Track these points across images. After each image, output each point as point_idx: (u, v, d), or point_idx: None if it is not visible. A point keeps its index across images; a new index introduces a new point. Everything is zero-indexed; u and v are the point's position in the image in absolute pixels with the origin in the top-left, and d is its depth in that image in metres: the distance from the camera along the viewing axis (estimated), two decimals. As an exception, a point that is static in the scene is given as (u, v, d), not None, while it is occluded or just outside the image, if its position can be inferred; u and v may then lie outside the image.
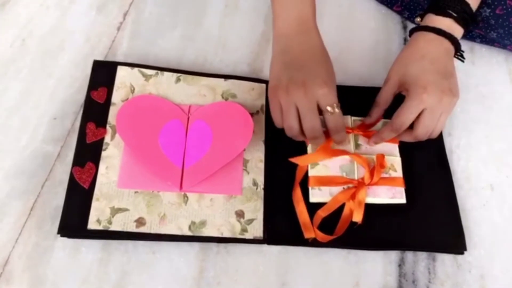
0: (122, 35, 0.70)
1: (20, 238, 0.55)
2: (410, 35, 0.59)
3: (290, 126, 0.52)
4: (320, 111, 0.52)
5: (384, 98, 0.57)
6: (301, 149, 0.60)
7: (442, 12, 0.56)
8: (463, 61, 0.60)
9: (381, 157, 0.57)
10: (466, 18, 0.56)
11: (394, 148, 0.60)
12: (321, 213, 0.55)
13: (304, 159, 0.58)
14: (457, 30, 0.56)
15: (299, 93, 0.50)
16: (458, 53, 0.59)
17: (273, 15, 0.55)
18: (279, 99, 0.52)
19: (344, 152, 0.58)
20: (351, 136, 0.60)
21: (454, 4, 0.56)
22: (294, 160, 0.57)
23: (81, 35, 0.70)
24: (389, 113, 0.57)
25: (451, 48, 0.56)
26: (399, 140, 0.59)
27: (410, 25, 0.74)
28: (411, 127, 0.55)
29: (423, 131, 0.54)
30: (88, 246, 0.54)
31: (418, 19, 0.60)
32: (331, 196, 0.56)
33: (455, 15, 0.56)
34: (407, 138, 0.57)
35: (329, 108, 0.51)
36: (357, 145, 0.60)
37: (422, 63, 0.54)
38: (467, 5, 0.56)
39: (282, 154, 0.60)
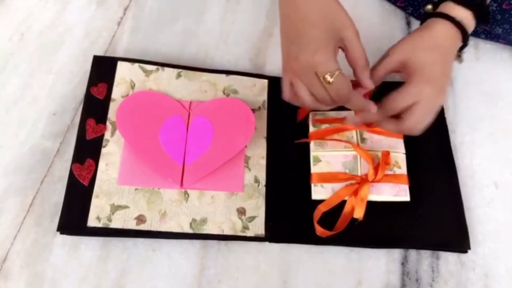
0: (123, 30, 0.69)
1: (18, 235, 0.54)
2: (422, 20, 0.55)
3: (304, 100, 0.49)
4: None
5: (380, 73, 0.52)
6: (303, 145, 0.59)
7: (463, 2, 0.52)
8: (460, 63, 0.58)
9: (386, 154, 0.57)
10: (482, 14, 0.54)
11: (399, 143, 0.59)
12: (322, 208, 0.54)
13: (312, 134, 0.58)
14: (471, 26, 0.53)
15: (296, 69, 0.47)
16: (459, 53, 0.56)
17: None
18: (286, 73, 0.49)
19: (350, 127, 0.58)
20: (354, 131, 0.59)
21: None
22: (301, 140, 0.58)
23: (80, 30, 0.69)
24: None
25: (459, 44, 0.54)
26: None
27: (414, 21, 0.74)
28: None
29: (411, 124, 0.50)
30: (87, 243, 0.54)
31: (430, 6, 0.56)
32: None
33: (474, 8, 0.52)
34: (390, 127, 0.53)
35: (327, 77, 0.46)
36: (362, 139, 0.59)
37: (434, 54, 0.51)
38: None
39: (284, 151, 0.59)
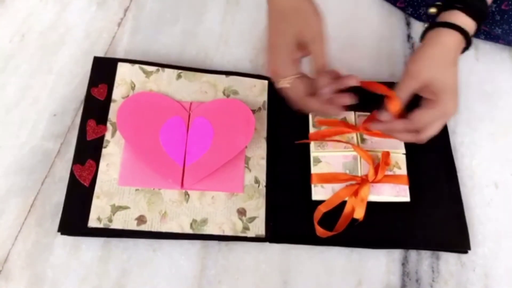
0: (123, 31, 0.70)
1: (19, 235, 0.54)
2: (428, 28, 0.55)
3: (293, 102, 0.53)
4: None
5: (407, 95, 0.53)
6: (303, 146, 0.59)
7: (470, 12, 0.53)
8: None
9: (386, 154, 0.57)
10: (483, 20, 0.55)
11: (399, 143, 0.59)
12: (322, 208, 0.54)
13: (312, 135, 0.59)
14: (472, 32, 0.55)
15: (272, 76, 0.52)
16: None
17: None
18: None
19: (351, 128, 0.58)
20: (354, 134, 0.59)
21: (477, 3, 0.54)
22: (302, 141, 0.58)
23: (81, 31, 0.69)
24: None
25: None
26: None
27: (414, 22, 0.74)
28: None
29: (429, 135, 0.53)
30: (88, 243, 0.54)
31: (434, 9, 0.57)
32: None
33: (479, 16, 0.54)
34: (408, 138, 0.54)
35: (282, 83, 0.51)
36: (362, 140, 0.59)
37: (452, 70, 0.53)
38: (487, 6, 0.55)
39: (284, 151, 0.59)
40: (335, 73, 0.52)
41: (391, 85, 0.53)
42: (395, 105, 0.51)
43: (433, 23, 0.55)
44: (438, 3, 0.56)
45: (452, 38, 0.53)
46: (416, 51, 0.54)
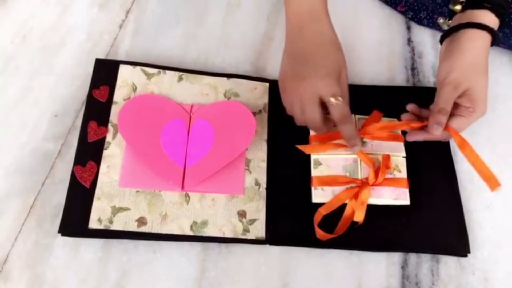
0: (124, 33, 0.70)
1: (19, 236, 0.54)
2: (455, 28, 0.55)
3: (296, 118, 0.53)
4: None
5: (451, 105, 0.53)
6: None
7: (495, 9, 0.54)
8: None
9: (387, 157, 0.57)
10: (505, 18, 0.55)
11: (400, 146, 0.59)
12: (322, 211, 0.54)
13: (311, 147, 0.58)
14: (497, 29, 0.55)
15: (301, 86, 0.51)
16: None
17: (285, 6, 0.55)
18: (286, 91, 0.53)
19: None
20: None
21: (501, 1, 0.54)
22: (301, 147, 0.57)
23: (82, 32, 0.69)
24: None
25: None
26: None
27: (414, 25, 0.74)
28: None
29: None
30: (88, 245, 0.54)
31: (458, 6, 0.56)
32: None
33: (503, 14, 0.54)
34: (439, 138, 0.55)
35: (331, 99, 0.50)
36: (362, 143, 0.59)
37: (486, 75, 0.54)
38: (510, 4, 0.55)
39: (285, 154, 0.60)
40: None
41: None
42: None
43: (462, 24, 0.55)
44: (461, 0, 0.56)
45: (484, 41, 0.53)
46: (450, 56, 0.54)
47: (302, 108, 0.51)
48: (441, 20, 0.59)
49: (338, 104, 0.50)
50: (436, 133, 0.52)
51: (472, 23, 0.54)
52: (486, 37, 0.54)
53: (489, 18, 0.54)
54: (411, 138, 0.56)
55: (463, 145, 0.54)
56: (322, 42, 0.52)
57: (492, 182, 0.52)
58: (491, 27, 0.53)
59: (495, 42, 0.55)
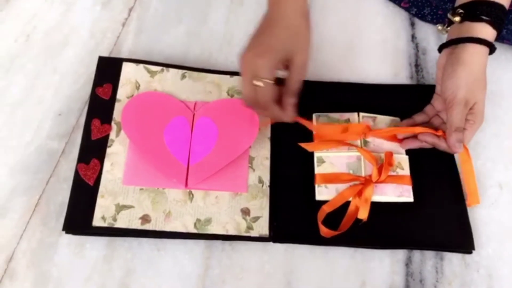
0: (127, 31, 0.70)
1: (24, 235, 0.54)
2: (455, 41, 0.56)
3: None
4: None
5: (463, 121, 0.55)
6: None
7: (494, 23, 0.55)
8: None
9: (389, 155, 0.57)
10: (502, 29, 0.57)
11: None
12: (326, 208, 0.54)
13: (314, 145, 0.58)
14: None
15: (241, 64, 0.51)
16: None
17: None
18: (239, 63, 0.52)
19: (353, 141, 0.58)
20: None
21: (500, 13, 0.55)
22: (304, 145, 0.57)
23: (86, 31, 0.69)
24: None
25: None
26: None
27: (418, 22, 0.74)
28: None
29: None
30: (92, 243, 0.54)
31: (457, 18, 0.57)
32: (338, 194, 0.55)
33: (500, 26, 0.56)
34: (439, 146, 0.57)
35: (254, 81, 0.50)
36: (365, 142, 0.59)
37: (486, 91, 0.56)
38: (506, 15, 0.56)
39: (288, 151, 0.59)
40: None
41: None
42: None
43: (462, 38, 0.56)
44: (460, 11, 0.56)
45: (484, 55, 0.55)
46: (454, 73, 0.55)
47: (246, 79, 0.51)
48: (439, 27, 0.60)
49: (261, 87, 0.50)
50: (459, 150, 0.55)
51: (472, 38, 0.55)
52: (485, 51, 0.55)
53: (488, 31, 0.55)
54: (405, 146, 0.59)
55: (466, 157, 0.57)
56: (280, 22, 0.51)
57: (473, 198, 0.57)
58: (490, 41, 0.55)
59: (491, 52, 0.56)
